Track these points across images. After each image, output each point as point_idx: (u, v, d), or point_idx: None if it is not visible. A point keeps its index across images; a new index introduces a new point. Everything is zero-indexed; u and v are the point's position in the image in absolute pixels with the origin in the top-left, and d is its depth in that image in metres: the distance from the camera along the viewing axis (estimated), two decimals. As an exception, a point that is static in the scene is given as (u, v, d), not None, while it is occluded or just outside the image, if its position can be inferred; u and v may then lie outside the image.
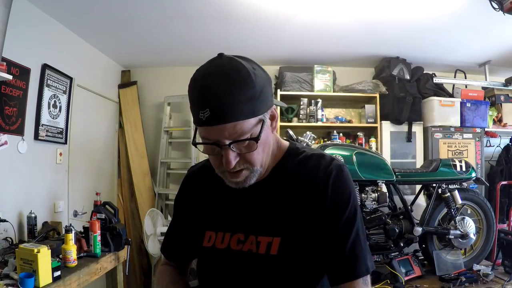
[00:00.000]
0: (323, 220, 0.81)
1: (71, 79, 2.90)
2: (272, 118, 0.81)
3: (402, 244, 2.59)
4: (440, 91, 3.65)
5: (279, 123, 3.53)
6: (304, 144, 2.64)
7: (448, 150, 3.51)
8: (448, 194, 2.66)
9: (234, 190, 0.84)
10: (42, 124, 2.56)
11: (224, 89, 0.70)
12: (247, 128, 0.73)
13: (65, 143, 2.85)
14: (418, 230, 2.57)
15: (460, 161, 2.77)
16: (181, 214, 1.01)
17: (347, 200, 0.82)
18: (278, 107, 3.57)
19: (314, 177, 0.83)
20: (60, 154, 2.80)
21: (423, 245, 2.70)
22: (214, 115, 0.70)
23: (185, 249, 0.99)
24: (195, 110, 0.73)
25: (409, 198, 2.96)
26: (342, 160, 2.74)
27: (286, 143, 0.91)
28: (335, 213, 0.81)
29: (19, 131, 2.33)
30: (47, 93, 2.60)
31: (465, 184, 2.81)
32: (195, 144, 0.78)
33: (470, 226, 2.64)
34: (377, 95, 3.58)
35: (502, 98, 3.74)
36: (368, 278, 0.82)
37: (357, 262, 0.80)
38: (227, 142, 0.73)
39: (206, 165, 0.95)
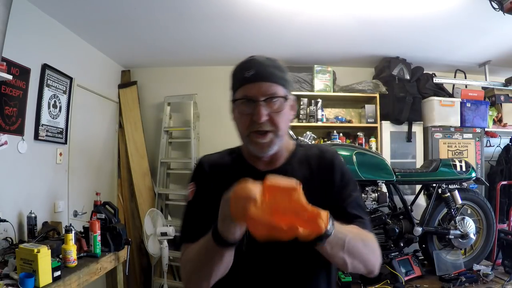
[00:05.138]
0: (335, 192, 0.97)
1: (71, 79, 2.90)
2: (292, 107, 0.99)
3: (402, 244, 2.60)
4: (440, 91, 3.64)
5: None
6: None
7: (448, 150, 3.51)
8: (448, 194, 2.66)
9: (258, 175, 0.87)
10: (42, 124, 2.56)
11: (265, 60, 0.95)
12: (278, 93, 0.92)
13: (65, 143, 2.85)
14: (418, 230, 2.58)
15: (460, 161, 2.77)
16: (198, 199, 1.00)
17: (350, 174, 1.03)
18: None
19: (321, 158, 1.01)
20: (60, 154, 2.80)
21: (423, 245, 2.70)
22: (257, 74, 0.92)
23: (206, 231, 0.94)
24: (239, 73, 0.94)
25: (409, 198, 2.97)
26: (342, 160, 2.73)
27: (293, 141, 1.08)
28: (343, 184, 0.99)
29: (19, 131, 2.33)
30: (47, 93, 2.60)
31: (465, 184, 2.81)
32: (234, 100, 0.95)
33: (470, 226, 2.64)
34: (377, 95, 3.58)
35: (502, 98, 3.74)
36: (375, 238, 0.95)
37: (365, 220, 0.98)
38: (262, 98, 0.91)
39: (220, 154, 1.08)
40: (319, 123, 3.62)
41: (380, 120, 3.60)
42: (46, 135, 2.60)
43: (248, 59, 0.96)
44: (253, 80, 0.91)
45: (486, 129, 3.64)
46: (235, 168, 1.00)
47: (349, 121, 3.79)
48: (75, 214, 2.81)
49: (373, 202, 2.56)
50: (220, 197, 0.89)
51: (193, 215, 1.00)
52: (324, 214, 0.75)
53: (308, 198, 0.86)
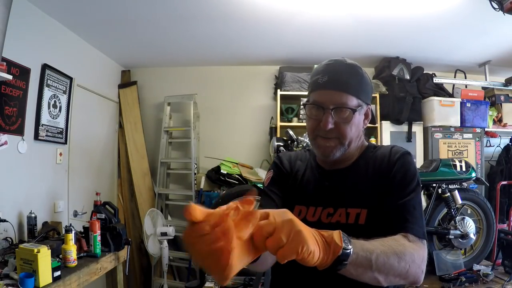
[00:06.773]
0: (392, 192, 0.93)
1: (71, 79, 2.90)
2: (366, 116, 1.01)
3: (402, 244, 2.59)
4: (440, 91, 3.64)
5: (279, 123, 3.53)
6: (304, 144, 2.70)
7: (448, 150, 3.51)
8: (448, 194, 2.66)
9: (323, 173, 1.03)
10: (42, 124, 2.56)
11: (343, 69, 0.95)
12: (349, 103, 0.93)
13: (65, 143, 2.85)
14: (418, 230, 2.57)
15: (460, 161, 2.77)
16: (272, 190, 1.07)
17: (413, 175, 0.95)
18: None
19: (386, 157, 0.99)
20: (60, 154, 2.80)
21: (423, 245, 2.70)
22: (330, 81, 0.93)
23: None
24: (314, 77, 0.97)
25: (409, 198, 2.96)
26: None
27: (366, 143, 1.09)
28: (402, 184, 0.93)
29: (19, 131, 2.33)
30: (47, 93, 2.60)
31: (465, 184, 2.81)
32: (304, 104, 1.00)
33: (470, 226, 2.64)
34: (377, 95, 3.58)
35: (502, 98, 3.74)
36: (423, 242, 0.87)
37: (414, 223, 0.88)
38: (331, 106, 0.93)
39: (296, 152, 1.16)
40: (319, 123, 3.61)
41: (380, 120, 3.60)
42: (46, 135, 2.60)
43: (326, 63, 0.97)
44: (325, 87, 0.94)
45: (486, 129, 3.64)
46: (307, 164, 1.08)
47: (349, 121, 3.78)
48: (75, 214, 2.81)
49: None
50: (291, 186, 1.05)
51: (265, 199, 1.07)
52: (336, 234, 0.65)
53: (367, 200, 0.95)
